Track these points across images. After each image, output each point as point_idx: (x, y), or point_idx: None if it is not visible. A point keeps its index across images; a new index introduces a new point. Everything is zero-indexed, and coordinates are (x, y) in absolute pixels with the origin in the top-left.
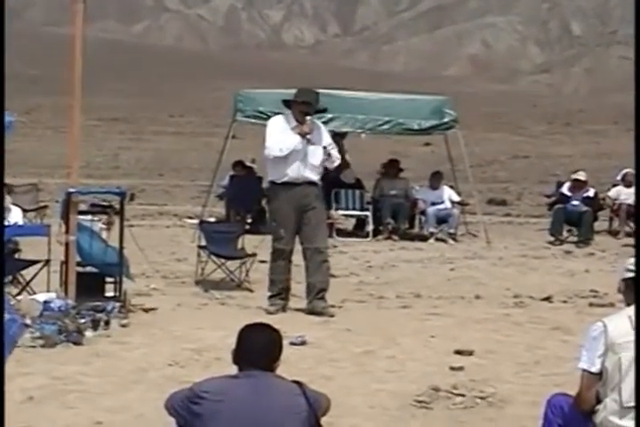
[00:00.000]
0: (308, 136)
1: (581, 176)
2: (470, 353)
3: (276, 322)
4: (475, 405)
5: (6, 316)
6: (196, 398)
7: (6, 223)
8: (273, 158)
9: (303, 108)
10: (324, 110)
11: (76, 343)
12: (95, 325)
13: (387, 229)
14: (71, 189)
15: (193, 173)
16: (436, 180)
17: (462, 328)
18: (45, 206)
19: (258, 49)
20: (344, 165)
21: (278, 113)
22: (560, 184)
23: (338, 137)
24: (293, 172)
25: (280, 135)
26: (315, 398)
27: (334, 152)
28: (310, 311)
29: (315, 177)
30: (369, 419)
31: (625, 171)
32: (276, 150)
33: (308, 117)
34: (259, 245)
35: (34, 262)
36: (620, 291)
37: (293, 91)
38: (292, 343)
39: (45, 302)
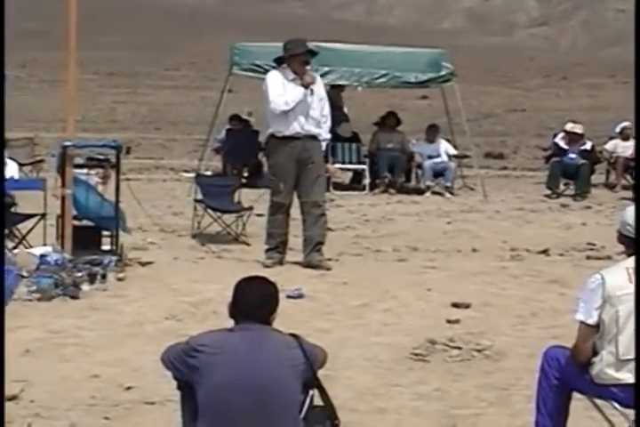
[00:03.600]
0: (312, 86)
1: (578, 129)
2: (467, 306)
3: (273, 275)
4: (471, 357)
5: None
6: (192, 351)
7: None
8: (279, 112)
9: (302, 58)
10: (316, 54)
11: (72, 297)
12: (92, 278)
13: (383, 182)
14: (67, 143)
15: (189, 127)
16: (432, 133)
17: (459, 281)
18: (41, 160)
19: (253, 2)
20: (343, 118)
21: (274, 66)
22: (555, 135)
23: (337, 89)
24: (297, 125)
25: (281, 89)
26: (311, 351)
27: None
28: (307, 265)
29: (315, 130)
30: (365, 372)
31: (622, 124)
32: (281, 104)
33: (308, 67)
34: (256, 199)
35: (30, 216)
36: (620, 240)
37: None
38: (289, 296)
39: (42, 256)
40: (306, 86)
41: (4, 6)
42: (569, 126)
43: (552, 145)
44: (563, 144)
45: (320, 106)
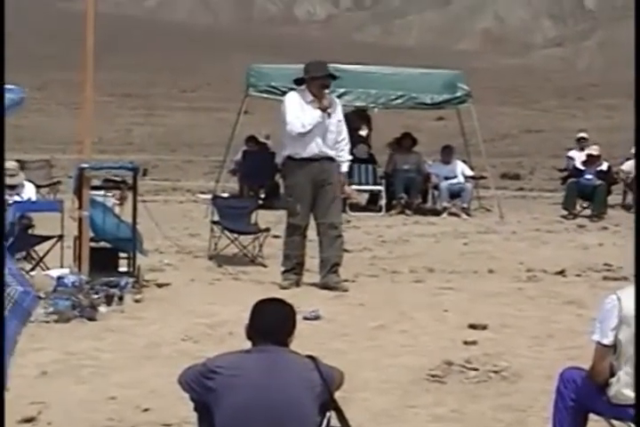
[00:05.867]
0: (329, 110)
1: (595, 151)
2: (484, 327)
3: (290, 297)
4: (488, 379)
5: (19, 288)
6: (209, 373)
7: (19, 199)
8: (295, 135)
9: (321, 82)
10: (336, 78)
11: (89, 319)
12: (109, 300)
13: (400, 203)
14: (84, 165)
15: (205, 149)
16: (446, 154)
17: (475, 302)
18: (58, 182)
19: (270, 23)
20: (359, 140)
21: (291, 88)
22: (568, 150)
23: (360, 112)
24: (314, 147)
25: (299, 111)
26: (328, 373)
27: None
28: (324, 286)
29: (332, 152)
30: (382, 393)
31: None
32: (298, 126)
33: (326, 91)
34: (273, 220)
35: (47, 238)
36: None
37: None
38: (306, 318)
39: (59, 278)
40: (323, 110)
41: (3, 6)
42: (580, 134)
43: (568, 165)
44: (579, 165)
45: (337, 129)
